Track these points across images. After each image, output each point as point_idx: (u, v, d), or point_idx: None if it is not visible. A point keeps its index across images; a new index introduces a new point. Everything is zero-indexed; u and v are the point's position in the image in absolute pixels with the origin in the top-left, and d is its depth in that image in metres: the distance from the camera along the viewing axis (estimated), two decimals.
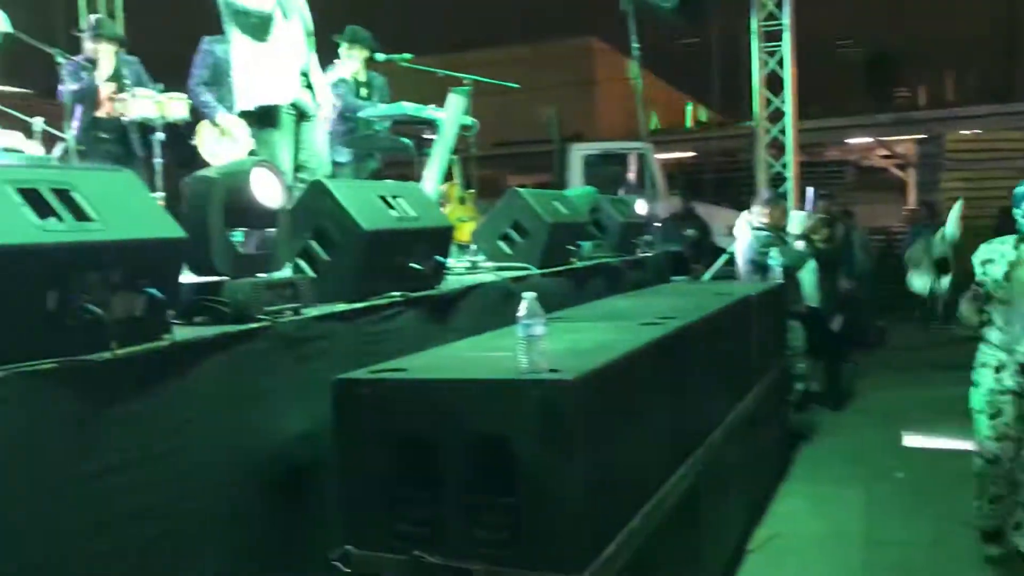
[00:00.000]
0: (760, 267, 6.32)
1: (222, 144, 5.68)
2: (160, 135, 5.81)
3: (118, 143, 6.08)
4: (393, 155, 6.21)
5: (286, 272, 2.82)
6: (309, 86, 4.72)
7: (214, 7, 4.53)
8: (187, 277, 2.48)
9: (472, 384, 2.32)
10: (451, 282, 3.71)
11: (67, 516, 1.83)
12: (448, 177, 5.61)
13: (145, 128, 5.98)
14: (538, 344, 2.29)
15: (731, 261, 8.88)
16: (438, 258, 3.49)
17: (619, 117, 19.66)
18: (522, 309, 2.30)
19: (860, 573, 4.03)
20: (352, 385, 2.42)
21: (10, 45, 4.65)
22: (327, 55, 6.31)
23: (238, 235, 2.81)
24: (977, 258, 3.83)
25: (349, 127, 6.18)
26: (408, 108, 5.48)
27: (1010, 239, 3.79)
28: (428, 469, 2.28)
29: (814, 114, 15.72)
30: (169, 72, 6.36)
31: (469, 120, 5.51)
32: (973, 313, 3.72)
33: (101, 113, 5.99)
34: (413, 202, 3.42)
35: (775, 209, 6.79)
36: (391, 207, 3.28)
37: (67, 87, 5.99)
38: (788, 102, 10.52)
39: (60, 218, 1.91)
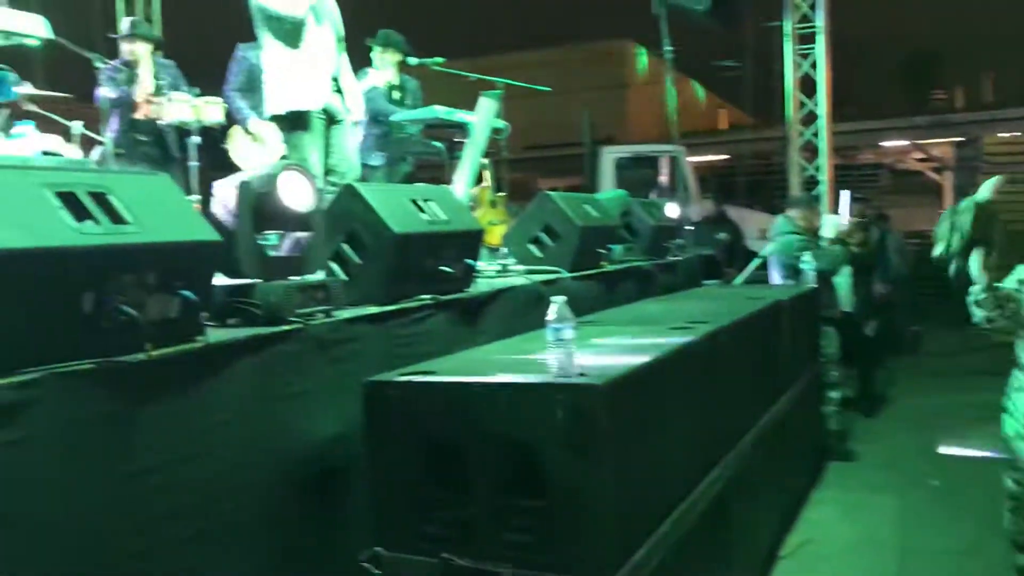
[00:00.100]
0: (794, 271, 6.27)
1: (254, 149, 5.74)
2: (196, 139, 5.89)
3: (155, 146, 6.17)
4: (425, 158, 6.24)
5: (318, 275, 2.84)
6: (339, 91, 4.76)
7: (249, 12, 4.58)
8: (220, 279, 2.51)
9: (501, 387, 2.32)
10: (481, 285, 3.72)
11: (102, 515, 1.86)
12: (479, 180, 5.63)
13: (181, 132, 6.06)
14: (567, 348, 2.29)
15: (764, 265, 8.82)
16: (468, 261, 3.50)
17: (651, 120, 19.60)
18: (551, 313, 2.31)
19: None
20: (382, 387, 2.44)
21: (50, 50, 4.73)
22: (360, 59, 6.35)
23: (272, 238, 2.85)
24: (1016, 276, 3.69)
25: (382, 131, 6.22)
26: (440, 112, 5.50)
27: None
28: (457, 471, 2.29)
29: (848, 116, 15.57)
30: (205, 76, 6.44)
31: (500, 123, 5.53)
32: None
33: (138, 116, 6.08)
34: (444, 205, 3.44)
35: (809, 212, 6.73)
36: (422, 210, 3.29)
37: (105, 91, 6.09)
38: (822, 105, 10.43)
39: (97, 221, 1.94)
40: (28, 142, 4.70)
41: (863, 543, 4.39)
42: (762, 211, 12.47)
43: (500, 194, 6.17)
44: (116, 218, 1.99)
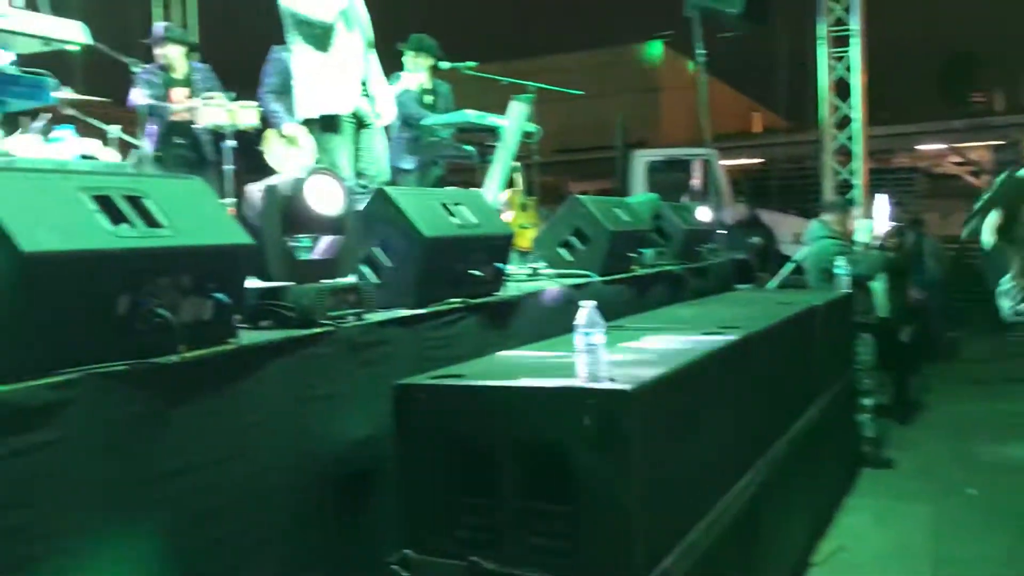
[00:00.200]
0: (829, 276, 6.20)
1: (288, 152, 5.80)
2: (231, 142, 5.95)
3: (191, 149, 6.25)
4: (456, 162, 6.26)
5: (350, 278, 2.86)
6: (368, 95, 4.80)
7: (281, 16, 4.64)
8: (253, 282, 2.54)
9: (530, 391, 2.32)
10: (511, 289, 3.72)
11: (135, 516, 1.88)
12: (510, 184, 5.64)
13: (216, 135, 6.13)
14: (597, 352, 2.29)
15: (797, 269, 8.75)
16: (498, 265, 3.51)
17: (684, 124, 19.52)
18: (580, 317, 2.30)
19: None
20: (411, 390, 2.45)
21: (88, 55, 4.81)
22: (392, 63, 6.39)
23: (304, 242, 2.87)
24: None
25: (413, 134, 6.26)
26: (471, 115, 5.52)
27: None
28: (485, 475, 2.29)
29: (883, 120, 15.40)
30: (240, 80, 6.52)
31: (532, 127, 5.54)
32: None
33: (174, 119, 6.16)
34: (474, 209, 3.45)
35: (844, 217, 6.66)
36: (452, 214, 3.31)
37: (141, 95, 6.17)
38: (856, 109, 10.33)
39: (132, 224, 1.97)
40: (66, 146, 4.78)
41: (896, 551, 4.33)
42: (795, 215, 12.37)
43: (531, 197, 6.18)
44: (151, 221, 2.02)
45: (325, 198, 2.69)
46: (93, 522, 1.79)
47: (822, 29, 10.40)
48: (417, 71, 6.42)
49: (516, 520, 2.26)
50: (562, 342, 2.99)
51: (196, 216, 2.16)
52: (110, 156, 5.24)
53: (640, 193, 10.20)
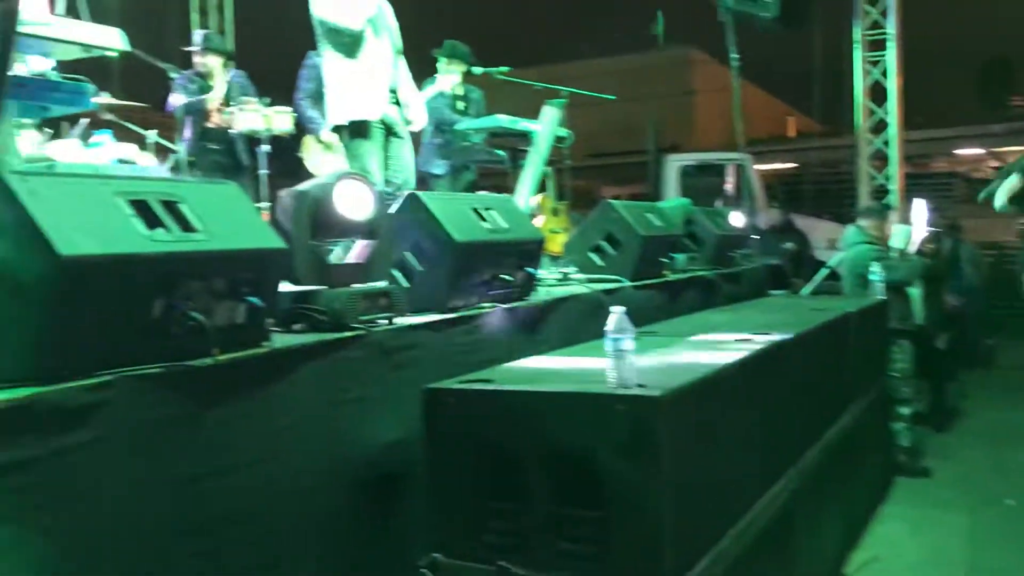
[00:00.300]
0: (866, 282, 6.14)
1: (327, 158, 5.86)
2: (266, 147, 6.02)
3: (226, 154, 6.33)
4: (488, 166, 6.28)
5: (381, 282, 2.88)
6: (397, 103, 4.85)
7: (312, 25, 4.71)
8: (286, 286, 2.56)
9: (559, 397, 2.32)
10: (542, 294, 3.73)
11: (167, 517, 1.90)
12: (542, 188, 5.64)
13: (252, 140, 6.20)
14: (627, 358, 2.28)
15: (832, 275, 8.65)
16: (529, 270, 3.51)
17: (718, 128, 19.41)
18: (610, 323, 2.30)
19: None
20: (440, 394, 2.46)
21: (126, 61, 4.89)
22: (426, 69, 6.43)
23: (337, 246, 2.90)
24: None
25: (445, 139, 6.29)
26: (503, 120, 5.54)
27: None
28: (514, 480, 2.30)
29: (920, 124, 15.22)
30: (276, 85, 6.59)
31: (564, 132, 5.54)
32: None
33: (210, 125, 6.24)
34: (505, 214, 3.46)
35: (881, 222, 6.59)
36: (483, 219, 3.32)
37: (178, 100, 6.26)
38: (892, 113, 10.22)
39: (167, 229, 2.00)
40: (105, 150, 4.87)
41: (931, 561, 4.27)
42: (830, 220, 12.26)
43: (562, 202, 6.18)
44: (186, 226, 2.04)
45: (355, 203, 2.71)
46: (127, 522, 1.81)
47: (857, 33, 10.30)
48: (450, 77, 6.45)
49: (545, 525, 2.26)
50: (592, 348, 2.99)
51: (230, 220, 2.18)
52: (147, 160, 5.32)
53: (673, 198, 10.17)
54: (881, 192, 10.28)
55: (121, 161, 4.85)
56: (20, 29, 2.85)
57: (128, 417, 1.82)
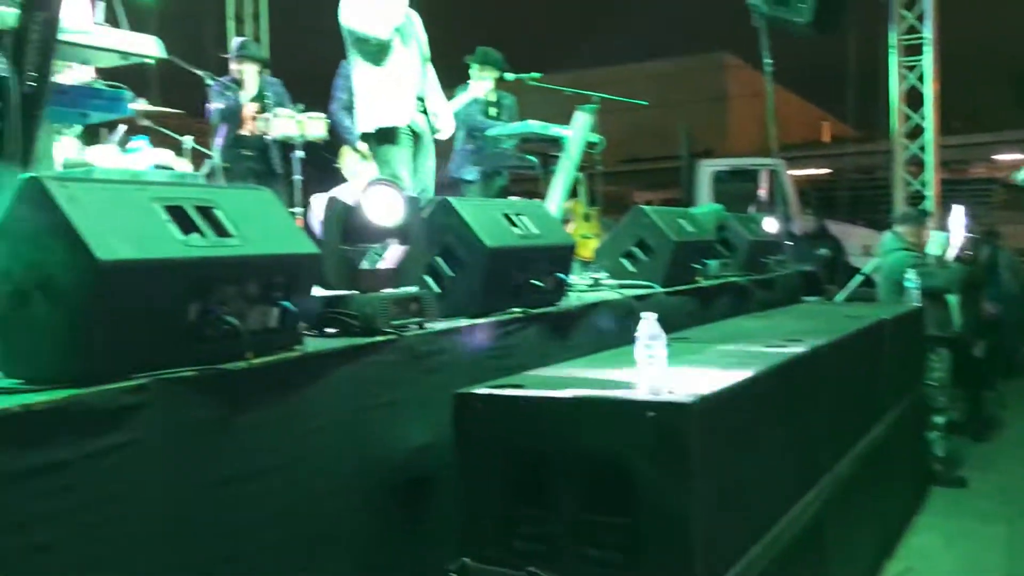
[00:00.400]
0: (902, 288, 6.06)
1: (363, 166, 5.91)
2: (300, 153, 6.08)
3: (260, 160, 6.40)
4: (520, 172, 6.29)
5: (412, 287, 2.90)
6: (425, 111, 4.89)
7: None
8: (318, 290, 2.58)
9: (589, 403, 2.32)
10: (572, 299, 3.72)
11: (200, 518, 1.93)
12: (573, 194, 5.64)
13: (286, 146, 6.27)
14: (658, 365, 2.28)
15: (867, 282, 8.56)
16: (559, 275, 3.51)
17: (751, 133, 19.30)
18: (641, 329, 2.30)
19: None
20: (470, 399, 2.47)
21: (163, 68, 4.96)
22: (459, 76, 6.47)
23: (369, 251, 2.92)
24: None
25: (477, 145, 6.31)
26: (534, 126, 5.55)
27: None
28: (544, 485, 2.30)
29: (957, 129, 15.03)
30: (310, 92, 6.65)
31: (595, 137, 5.54)
32: None
33: (245, 131, 6.32)
34: (536, 219, 3.46)
35: (919, 228, 6.51)
36: (514, 225, 3.32)
37: (214, 107, 6.34)
38: (929, 118, 10.10)
39: (202, 234, 2.02)
40: (142, 156, 4.94)
41: (966, 573, 4.21)
42: (865, 226, 12.14)
43: (594, 208, 6.18)
44: (221, 231, 2.07)
45: (385, 209, 2.73)
46: (161, 524, 1.84)
47: (893, 38, 10.20)
48: (482, 83, 6.48)
49: (574, 531, 2.26)
50: (623, 354, 2.98)
51: (264, 226, 2.21)
52: (183, 166, 5.39)
53: (706, 203, 10.12)
54: (917, 198, 10.16)
55: (158, 167, 4.92)
56: (60, 37, 2.91)
57: (163, 419, 1.84)
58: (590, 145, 5.45)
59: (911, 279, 5.81)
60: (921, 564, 4.26)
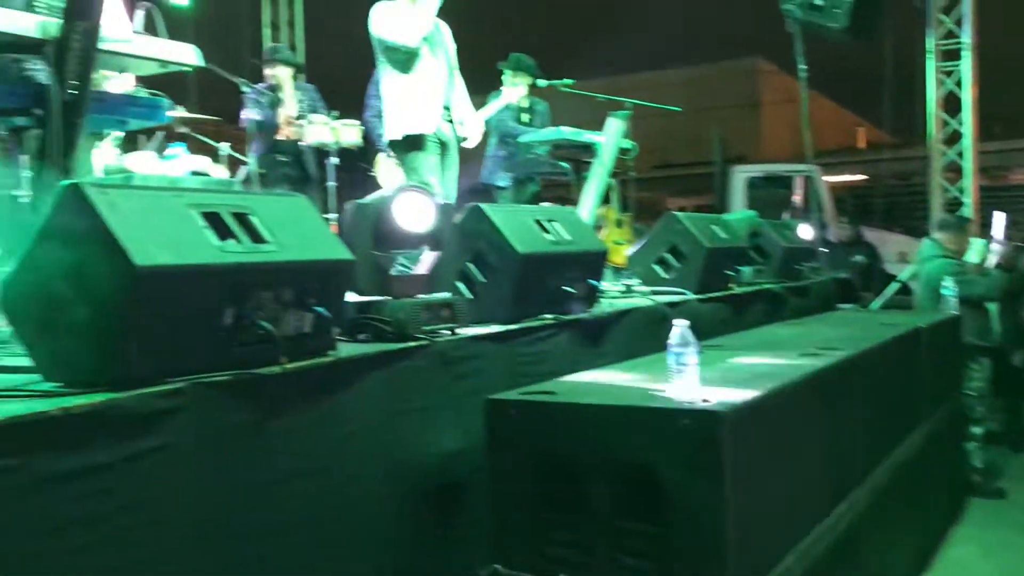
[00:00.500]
0: (945, 297, 5.98)
1: (398, 173, 5.95)
2: (334, 159, 6.13)
3: (295, 166, 6.47)
4: (552, 178, 6.29)
5: (444, 293, 2.91)
6: (450, 120, 4.94)
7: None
8: (351, 296, 2.60)
9: (620, 410, 2.31)
10: (604, 306, 3.72)
11: (233, 522, 1.94)
12: (606, 200, 5.63)
13: (320, 152, 6.32)
14: (690, 372, 2.26)
15: (903, 289, 8.45)
16: (591, 281, 3.51)
17: (785, 139, 19.16)
18: (673, 336, 2.29)
19: None
20: (502, 406, 2.47)
21: (200, 75, 5.02)
22: (492, 82, 6.49)
23: (407, 256, 2.93)
24: None
25: (509, 151, 6.33)
26: (567, 132, 5.55)
27: None
28: (576, 492, 2.29)
29: (997, 135, 14.80)
30: (345, 99, 6.70)
31: (628, 143, 5.53)
32: None
33: (280, 137, 6.38)
34: (568, 226, 3.46)
35: (959, 235, 6.42)
36: (546, 231, 3.33)
37: (249, 114, 6.41)
38: (967, 124, 9.96)
39: (238, 240, 2.05)
40: (179, 163, 5.00)
41: None
42: (901, 233, 12.00)
43: (626, 214, 6.17)
44: (256, 237, 2.09)
45: (416, 215, 2.75)
46: (195, 527, 1.86)
47: (931, 43, 10.08)
48: (515, 89, 6.50)
49: (606, 539, 2.25)
50: (655, 361, 2.97)
51: (299, 232, 2.23)
52: (220, 172, 5.46)
53: (739, 210, 10.06)
54: (954, 205, 10.02)
55: (195, 173, 4.98)
56: (101, 46, 2.95)
57: (198, 423, 1.87)
58: (623, 151, 5.44)
59: (948, 287, 5.73)
60: None
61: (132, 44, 3.24)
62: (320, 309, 2.20)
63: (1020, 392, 6.93)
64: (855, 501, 3.11)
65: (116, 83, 3.51)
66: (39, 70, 3.01)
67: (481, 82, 6.05)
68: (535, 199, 6.39)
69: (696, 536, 2.15)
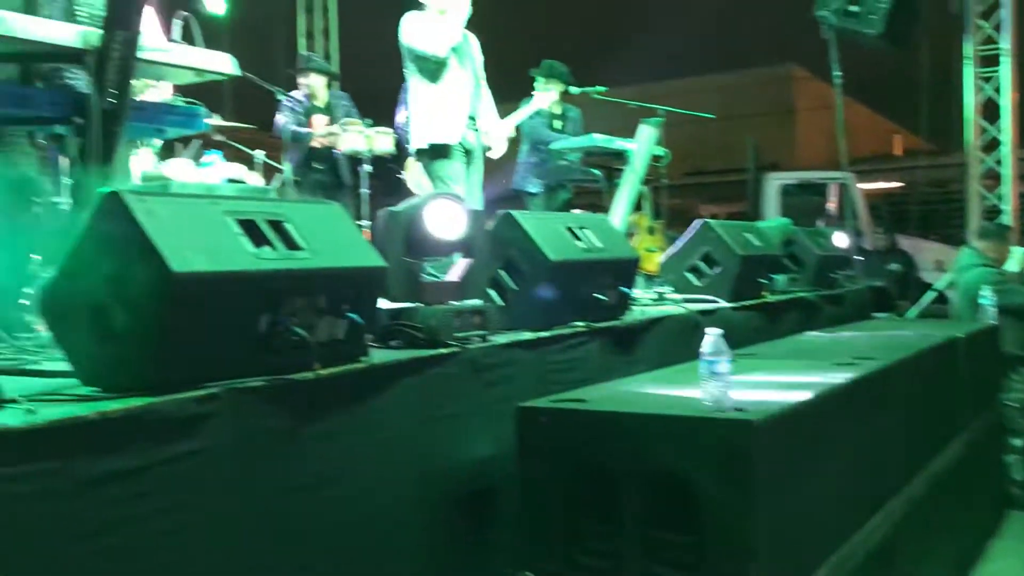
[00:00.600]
0: (983, 307, 5.89)
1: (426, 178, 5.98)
2: (368, 167, 6.17)
3: (329, 174, 6.52)
4: (584, 185, 6.30)
5: (476, 300, 2.92)
6: (476, 130, 4.97)
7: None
8: (383, 303, 2.62)
9: (653, 419, 2.30)
10: (636, 313, 3.70)
11: (266, 526, 1.96)
12: (638, 207, 5.63)
13: (354, 160, 6.37)
14: (723, 381, 2.25)
15: (940, 298, 8.35)
16: (623, 289, 3.50)
17: (820, 146, 19.01)
18: (706, 345, 2.28)
19: None
20: (533, 413, 2.47)
21: (236, 84, 5.09)
22: (524, 89, 6.50)
23: (439, 264, 2.95)
24: None
25: (541, 158, 6.34)
26: (599, 139, 5.56)
27: None
28: (607, 501, 2.29)
29: None
30: (378, 107, 6.76)
31: (661, 151, 5.52)
32: None
33: (314, 145, 6.44)
34: (599, 233, 3.46)
35: (1000, 244, 6.33)
36: (577, 238, 3.32)
37: (284, 121, 6.48)
38: (1006, 131, 9.82)
39: (273, 247, 2.07)
40: (215, 170, 5.07)
41: None
42: (937, 241, 11.85)
43: (658, 221, 6.15)
44: (291, 244, 2.11)
45: (446, 222, 2.76)
46: (229, 531, 1.87)
47: (969, 49, 9.96)
48: (547, 96, 6.51)
49: (637, 548, 2.24)
50: (687, 369, 2.96)
51: (333, 239, 2.25)
52: (255, 180, 5.52)
53: (773, 217, 9.98)
54: (993, 212, 9.88)
55: (231, 180, 5.04)
56: (139, 55, 3.00)
57: (232, 428, 1.88)
58: (655, 158, 5.44)
59: (986, 296, 5.65)
60: None
61: (170, 53, 3.29)
62: (353, 315, 2.22)
63: None
64: (891, 512, 3.07)
65: (154, 92, 3.57)
66: (79, 79, 3.06)
67: (513, 90, 6.07)
68: (567, 206, 6.39)
69: (728, 546, 2.13)
